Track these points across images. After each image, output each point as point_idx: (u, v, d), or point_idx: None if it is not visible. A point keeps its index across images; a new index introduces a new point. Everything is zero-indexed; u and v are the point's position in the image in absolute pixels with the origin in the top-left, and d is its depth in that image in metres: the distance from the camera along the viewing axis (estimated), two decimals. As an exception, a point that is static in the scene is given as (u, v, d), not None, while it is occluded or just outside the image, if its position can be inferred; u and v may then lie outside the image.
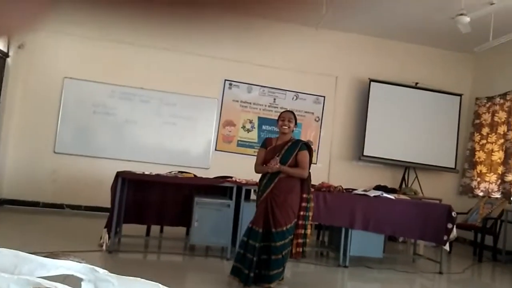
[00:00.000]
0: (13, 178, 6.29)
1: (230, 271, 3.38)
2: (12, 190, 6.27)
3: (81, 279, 0.80)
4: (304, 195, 3.38)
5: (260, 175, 3.47)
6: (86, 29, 6.39)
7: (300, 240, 3.39)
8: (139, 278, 0.79)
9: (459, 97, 7.47)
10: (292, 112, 3.51)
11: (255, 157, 3.56)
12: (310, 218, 3.43)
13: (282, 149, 3.36)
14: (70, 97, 6.49)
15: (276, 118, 3.62)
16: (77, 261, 0.86)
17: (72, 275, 0.79)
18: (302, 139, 7.22)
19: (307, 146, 3.42)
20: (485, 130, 7.26)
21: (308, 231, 3.42)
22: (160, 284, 0.79)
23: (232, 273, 3.35)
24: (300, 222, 3.37)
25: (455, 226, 4.66)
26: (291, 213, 3.28)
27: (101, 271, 0.80)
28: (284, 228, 3.23)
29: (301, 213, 3.37)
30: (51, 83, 6.45)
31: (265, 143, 3.48)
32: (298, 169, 3.32)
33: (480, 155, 7.25)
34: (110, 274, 0.79)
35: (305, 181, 3.39)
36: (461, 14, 5.37)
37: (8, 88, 6.06)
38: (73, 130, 6.50)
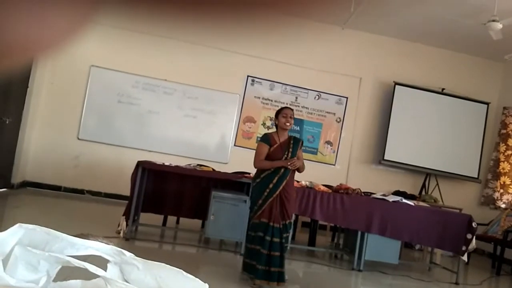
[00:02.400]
0: (37, 162, 6.46)
1: (242, 268, 3.41)
2: (35, 173, 6.44)
3: (107, 261, 0.82)
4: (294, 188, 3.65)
5: (256, 169, 3.48)
6: (114, 19, 6.45)
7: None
8: (163, 264, 0.80)
9: (486, 106, 7.29)
10: (291, 108, 3.59)
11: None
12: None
13: (289, 146, 3.44)
14: (96, 86, 6.62)
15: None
16: (105, 243, 0.88)
17: (100, 256, 0.81)
18: (322, 139, 7.24)
19: (302, 143, 3.61)
20: (511, 141, 7.07)
21: None
22: (183, 271, 0.80)
23: (244, 270, 3.38)
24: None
25: (474, 237, 4.56)
26: (295, 205, 3.65)
27: (128, 254, 0.82)
28: (291, 220, 3.48)
29: None
30: (78, 71, 6.58)
31: (269, 140, 3.44)
32: (303, 165, 3.51)
33: (505, 166, 7.07)
34: (136, 258, 0.81)
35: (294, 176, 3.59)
36: (493, 21, 5.23)
37: (36, 73, 6.22)
38: (97, 117, 6.63)
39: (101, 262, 0.86)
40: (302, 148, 3.63)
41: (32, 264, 0.77)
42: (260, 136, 6.97)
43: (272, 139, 3.45)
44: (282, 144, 3.43)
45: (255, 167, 3.45)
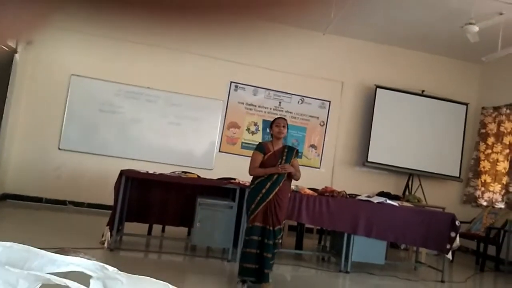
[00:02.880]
0: (17, 173, 6.31)
1: (239, 273, 3.45)
2: (16, 185, 6.29)
3: (90, 276, 0.80)
4: (289, 195, 3.73)
5: (251, 177, 3.61)
6: (94, 27, 6.39)
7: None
8: (148, 277, 0.79)
9: (465, 106, 7.45)
10: (285, 118, 3.74)
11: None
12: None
13: (283, 154, 3.57)
14: (77, 95, 6.52)
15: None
16: (87, 258, 0.86)
17: (82, 272, 0.79)
18: (306, 143, 7.28)
19: (297, 152, 3.74)
20: (491, 140, 7.23)
21: None
22: (169, 284, 0.79)
23: (243, 275, 3.43)
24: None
25: (458, 235, 4.63)
26: (286, 211, 3.66)
27: (111, 269, 0.80)
28: (282, 226, 3.52)
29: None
30: (58, 80, 6.47)
31: (263, 149, 3.59)
32: (298, 172, 3.62)
33: (485, 164, 7.22)
34: (119, 272, 0.79)
35: (291, 183, 3.69)
36: (470, 23, 5.36)
37: (15, 83, 6.09)
38: (78, 127, 6.52)
39: (84, 278, 0.84)
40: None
41: (10, 283, 0.74)
42: (245, 141, 7.03)
43: (266, 147, 3.60)
44: (276, 152, 3.57)
45: (250, 175, 3.59)
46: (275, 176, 3.46)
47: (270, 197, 3.42)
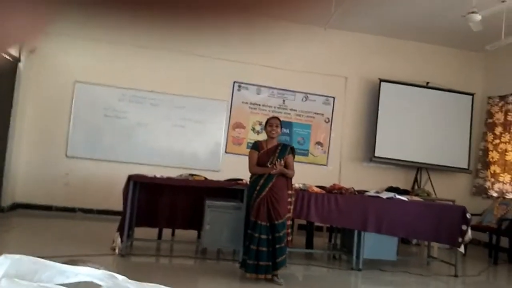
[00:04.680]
0: (26, 182, 6.35)
1: (241, 265, 3.79)
2: (25, 194, 6.33)
3: (100, 286, 0.79)
4: (289, 192, 3.85)
5: (249, 174, 3.87)
6: (96, 32, 6.42)
7: (289, 230, 3.83)
8: (159, 285, 0.78)
9: (471, 96, 7.38)
10: (278, 118, 3.92)
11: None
12: (291, 211, 3.94)
13: (275, 152, 3.78)
14: (82, 101, 6.54)
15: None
16: (96, 268, 0.85)
17: (91, 282, 0.78)
18: (312, 140, 7.24)
19: (292, 150, 3.88)
20: (498, 130, 7.15)
21: (289, 223, 3.91)
22: (179, 291, 0.77)
23: (241, 266, 3.76)
24: (288, 214, 3.82)
25: (469, 227, 4.58)
26: (287, 206, 3.78)
27: (120, 277, 0.79)
28: (284, 219, 3.69)
29: (288, 207, 3.83)
30: (62, 87, 6.50)
31: (257, 146, 3.86)
32: (290, 170, 3.79)
33: (493, 155, 7.14)
34: (129, 280, 0.78)
35: (289, 180, 3.83)
36: (473, 12, 5.29)
37: (20, 92, 6.13)
38: (84, 133, 6.55)
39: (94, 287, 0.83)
40: (295, 152, 3.94)
41: (20, 296, 0.74)
42: (251, 141, 7.00)
43: (261, 145, 3.87)
44: (269, 151, 3.80)
45: (249, 172, 3.85)
46: (266, 173, 3.68)
47: (264, 193, 3.63)
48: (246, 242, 3.72)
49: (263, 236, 3.58)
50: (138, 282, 0.79)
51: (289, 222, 3.85)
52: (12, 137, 6.02)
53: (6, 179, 5.97)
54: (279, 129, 3.82)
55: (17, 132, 6.17)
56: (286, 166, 3.77)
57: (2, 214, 5.84)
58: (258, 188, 3.67)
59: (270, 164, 3.72)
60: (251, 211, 3.72)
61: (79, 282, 0.79)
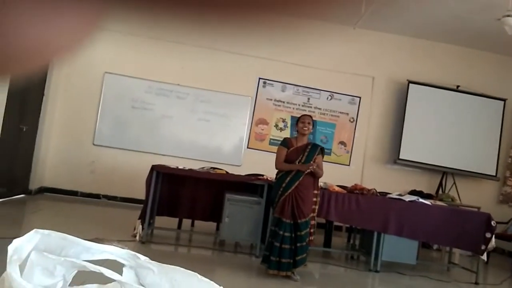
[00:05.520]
0: (54, 168, 6.57)
1: (262, 260, 3.71)
2: (53, 179, 6.55)
3: (123, 265, 0.82)
4: (315, 191, 3.82)
5: (271, 170, 3.86)
6: (127, 25, 6.56)
7: (312, 230, 3.80)
8: (178, 267, 0.81)
9: (502, 102, 7.15)
10: (311, 116, 3.88)
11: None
12: (316, 211, 3.93)
13: (305, 151, 3.71)
14: (110, 92, 6.70)
15: None
16: (120, 247, 0.89)
17: (115, 261, 0.81)
18: (335, 140, 7.19)
19: (322, 150, 3.83)
20: (530, 137, 6.92)
21: (313, 222, 3.89)
22: (198, 274, 0.80)
23: (262, 261, 3.70)
24: (312, 214, 3.80)
25: (494, 235, 4.46)
26: (312, 206, 3.75)
27: (143, 258, 0.82)
28: (308, 218, 3.65)
29: (313, 206, 3.80)
30: (92, 78, 6.68)
31: (287, 143, 3.78)
32: (320, 170, 3.73)
33: (524, 163, 6.92)
34: (151, 261, 0.81)
35: (316, 179, 3.80)
36: (508, 15, 5.13)
37: (52, 81, 6.33)
38: (111, 123, 6.71)
39: (117, 266, 0.86)
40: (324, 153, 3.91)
41: (48, 269, 0.77)
42: (273, 138, 7.02)
43: (290, 142, 3.79)
44: (298, 148, 3.72)
45: (276, 169, 3.79)
46: (294, 171, 3.62)
47: (290, 190, 3.58)
48: (270, 238, 3.70)
49: (287, 234, 3.57)
50: (159, 263, 0.82)
51: (313, 222, 3.82)
52: (42, 124, 6.24)
53: (35, 164, 6.19)
54: (311, 126, 3.75)
55: (48, 120, 6.38)
56: None
57: (29, 196, 6.07)
58: (284, 185, 3.63)
59: (298, 162, 3.67)
60: (275, 207, 3.70)
61: (104, 260, 0.83)
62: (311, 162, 3.62)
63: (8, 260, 0.74)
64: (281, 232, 3.56)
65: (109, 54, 6.76)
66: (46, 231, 0.84)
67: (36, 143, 6.18)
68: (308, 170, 3.60)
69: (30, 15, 0.26)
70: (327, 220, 5.11)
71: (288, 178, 3.63)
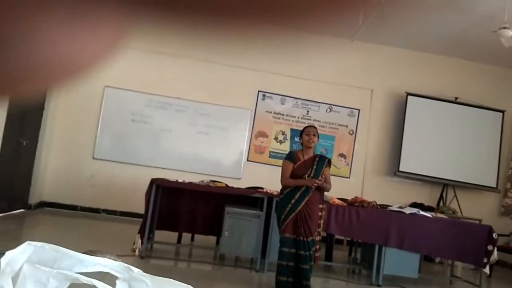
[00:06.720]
0: (53, 182, 6.55)
1: (276, 286, 3.46)
2: (52, 193, 6.53)
3: (116, 277, 0.82)
4: (321, 206, 3.60)
5: (280, 186, 3.60)
6: (127, 39, 6.61)
7: (317, 246, 3.59)
8: (172, 280, 0.80)
9: (501, 114, 7.17)
10: (315, 127, 3.71)
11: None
12: (321, 225, 3.72)
13: (313, 164, 3.49)
14: (110, 105, 6.73)
15: None
16: (113, 259, 0.88)
17: (109, 273, 0.81)
18: (335, 152, 7.19)
19: (329, 162, 3.63)
20: (530, 149, 6.91)
21: (319, 238, 3.67)
22: (191, 286, 0.79)
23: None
24: (318, 229, 3.59)
25: (496, 248, 4.42)
26: (318, 222, 3.55)
27: (136, 270, 0.81)
28: (314, 236, 3.45)
29: (319, 221, 3.59)
30: (92, 92, 6.70)
31: (293, 157, 3.56)
32: (328, 184, 3.54)
33: (525, 174, 6.90)
34: (144, 274, 0.80)
35: (322, 194, 3.61)
36: (504, 28, 5.19)
37: (51, 95, 6.36)
38: (111, 137, 6.72)
39: (110, 279, 0.86)
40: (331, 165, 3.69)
41: (41, 281, 0.77)
42: (273, 150, 7.02)
43: (296, 156, 3.56)
44: (306, 162, 3.51)
45: (281, 184, 3.55)
46: (303, 186, 3.41)
47: (300, 207, 3.37)
48: (280, 260, 3.44)
49: (304, 253, 3.38)
50: (152, 276, 0.82)
51: (318, 238, 3.61)
52: (42, 138, 6.24)
53: (35, 178, 6.18)
54: (316, 138, 3.53)
55: (47, 133, 6.39)
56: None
57: (29, 211, 6.04)
58: (293, 201, 3.39)
59: (307, 177, 3.45)
60: (281, 227, 3.46)
61: (98, 273, 0.82)
62: (321, 175, 3.43)
63: (0, 273, 0.74)
64: (294, 251, 3.38)
65: (109, 68, 6.80)
66: (39, 243, 0.83)
67: (36, 157, 6.18)
68: (316, 185, 3.41)
69: (41, 25, 0.21)
70: (328, 234, 5.08)
71: (298, 195, 3.40)
